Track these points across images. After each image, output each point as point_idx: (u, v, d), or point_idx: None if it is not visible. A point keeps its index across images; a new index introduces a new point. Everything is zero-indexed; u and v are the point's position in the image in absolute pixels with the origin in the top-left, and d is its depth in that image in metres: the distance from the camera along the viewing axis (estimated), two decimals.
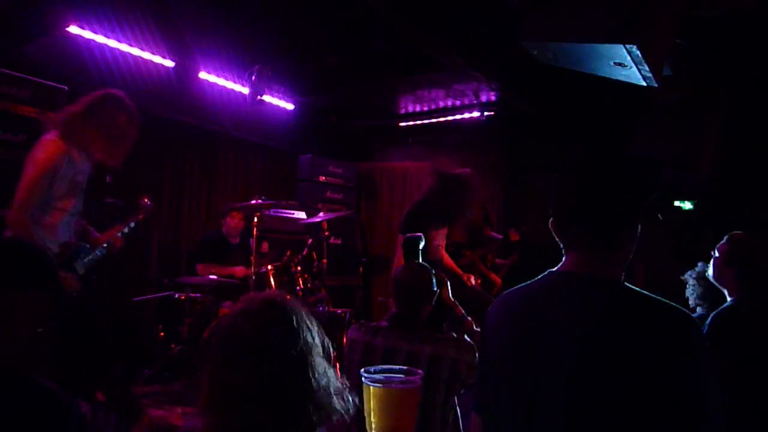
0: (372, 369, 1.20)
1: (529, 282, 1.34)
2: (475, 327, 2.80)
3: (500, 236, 5.90)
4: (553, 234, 1.34)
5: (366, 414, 1.20)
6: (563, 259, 1.32)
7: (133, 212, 3.34)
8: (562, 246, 1.33)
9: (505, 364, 1.26)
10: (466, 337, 2.58)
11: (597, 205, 1.26)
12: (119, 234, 3.20)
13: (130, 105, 3.12)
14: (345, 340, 2.42)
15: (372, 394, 1.18)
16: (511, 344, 1.26)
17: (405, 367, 1.19)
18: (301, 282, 4.74)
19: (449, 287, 3.66)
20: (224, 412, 1.16)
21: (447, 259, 4.30)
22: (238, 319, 1.22)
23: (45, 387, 1.34)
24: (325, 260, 5.19)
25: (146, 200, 3.40)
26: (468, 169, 4.06)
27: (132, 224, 3.28)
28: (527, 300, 1.30)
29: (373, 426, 1.17)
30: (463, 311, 2.66)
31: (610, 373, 1.10)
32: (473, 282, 4.31)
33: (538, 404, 1.17)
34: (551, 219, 1.34)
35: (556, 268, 1.32)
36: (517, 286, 1.37)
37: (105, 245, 3.12)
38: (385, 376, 1.16)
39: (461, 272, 4.32)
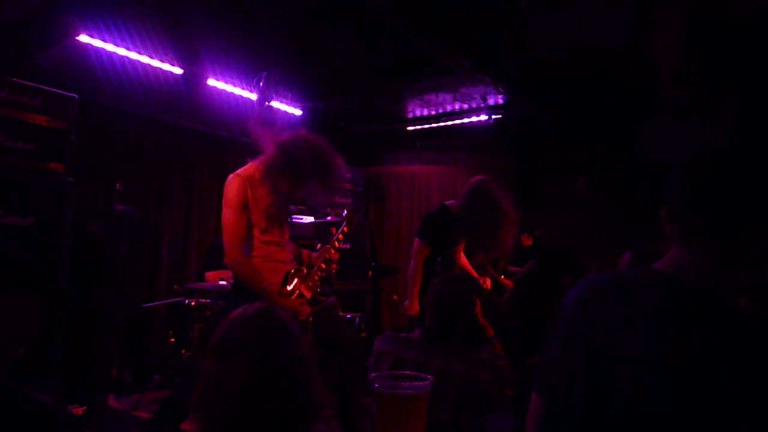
0: (381, 375, 1.20)
1: (622, 273, 1.25)
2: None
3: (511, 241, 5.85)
4: (664, 223, 1.25)
5: (375, 419, 1.20)
6: (668, 252, 1.22)
7: (341, 226, 3.37)
8: (671, 236, 1.23)
9: (581, 353, 1.19)
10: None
11: (728, 194, 1.14)
12: (333, 249, 3.18)
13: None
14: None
15: (380, 400, 1.18)
16: (591, 336, 1.18)
17: (414, 373, 1.19)
18: None
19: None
20: (215, 406, 1.20)
21: (464, 261, 4.31)
22: (233, 323, 1.28)
23: (39, 402, 1.26)
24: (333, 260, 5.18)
25: (348, 212, 3.44)
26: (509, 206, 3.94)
27: (342, 237, 3.27)
28: (620, 293, 1.20)
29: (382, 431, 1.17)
30: (493, 333, 2.62)
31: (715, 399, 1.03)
32: (488, 285, 4.33)
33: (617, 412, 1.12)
34: (666, 206, 1.24)
35: (658, 264, 1.22)
36: (607, 275, 1.28)
37: (323, 264, 3.11)
38: (393, 382, 1.16)
39: (477, 275, 4.35)
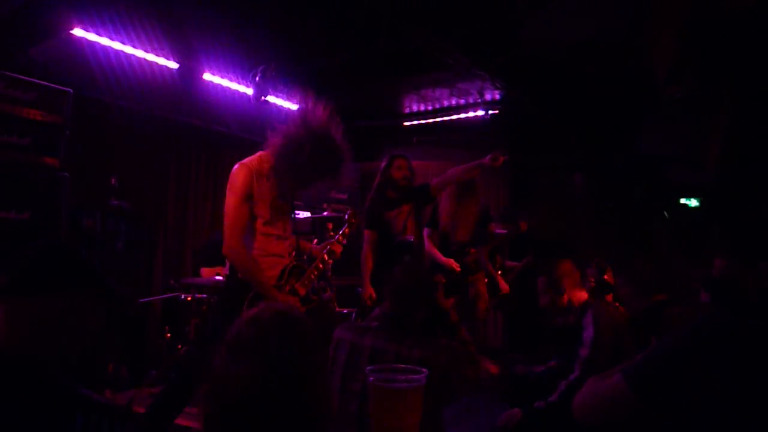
0: (376, 368, 1.20)
1: None
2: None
3: (504, 231, 5.84)
4: None
5: (370, 414, 1.20)
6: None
7: (342, 226, 3.35)
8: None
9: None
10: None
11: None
12: (333, 247, 3.17)
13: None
14: None
15: (376, 394, 1.18)
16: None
17: (409, 366, 1.19)
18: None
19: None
20: (220, 407, 1.17)
21: (428, 245, 4.52)
22: (246, 322, 1.23)
23: (102, 404, 1.26)
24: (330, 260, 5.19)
25: (350, 214, 3.43)
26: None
27: (342, 238, 3.26)
28: None
29: (377, 425, 1.17)
30: (458, 317, 2.63)
31: None
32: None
33: None
34: None
35: None
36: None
37: (320, 264, 3.09)
38: (389, 375, 1.16)
39: (445, 260, 4.48)
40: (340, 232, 3.30)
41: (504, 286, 5.50)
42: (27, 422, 1.13)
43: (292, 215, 3.08)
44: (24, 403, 1.14)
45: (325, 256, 3.13)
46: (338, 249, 3.18)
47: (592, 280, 4.05)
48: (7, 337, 1.23)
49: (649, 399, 1.29)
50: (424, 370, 1.18)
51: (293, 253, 3.11)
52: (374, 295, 4.07)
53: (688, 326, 1.34)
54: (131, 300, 4.48)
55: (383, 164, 4.27)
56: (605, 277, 4.42)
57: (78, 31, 4.32)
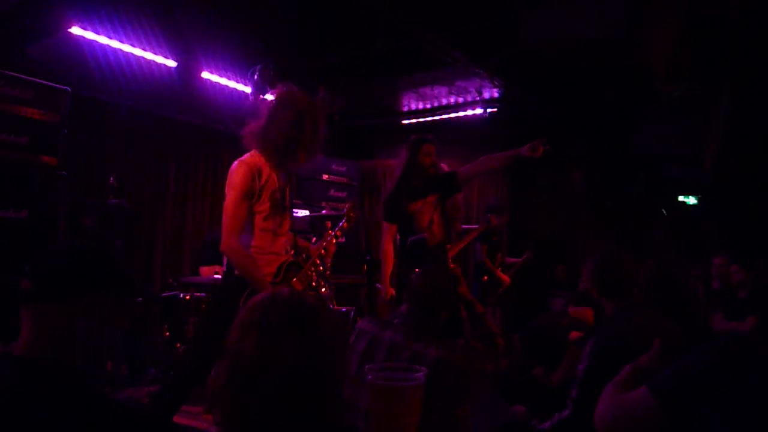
0: (375, 367, 1.20)
1: None
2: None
3: (476, 226, 5.82)
4: None
5: (369, 411, 1.20)
6: None
7: (340, 220, 3.32)
8: None
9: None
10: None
11: None
12: (330, 243, 3.15)
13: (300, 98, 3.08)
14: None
15: (375, 392, 1.18)
16: None
17: (408, 365, 1.19)
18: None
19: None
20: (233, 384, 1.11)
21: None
22: (274, 302, 1.19)
23: (131, 410, 1.25)
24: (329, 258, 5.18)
25: (348, 208, 3.38)
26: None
27: (340, 233, 3.23)
28: None
29: (377, 423, 1.18)
30: (483, 309, 2.57)
31: None
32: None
33: None
34: None
35: None
36: None
37: (318, 260, 3.09)
38: (388, 374, 1.16)
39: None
40: (338, 225, 3.28)
41: (505, 278, 5.53)
42: (57, 429, 1.11)
43: (290, 212, 3.08)
44: (54, 409, 1.12)
45: (324, 251, 3.12)
46: (332, 249, 3.16)
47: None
48: (34, 343, 1.21)
49: (675, 413, 1.28)
50: (423, 368, 1.18)
51: (291, 251, 3.11)
52: (394, 294, 3.86)
53: (719, 341, 1.32)
54: (156, 297, 4.50)
55: (407, 150, 3.86)
56: None
57: (76, 30, 4.31)
